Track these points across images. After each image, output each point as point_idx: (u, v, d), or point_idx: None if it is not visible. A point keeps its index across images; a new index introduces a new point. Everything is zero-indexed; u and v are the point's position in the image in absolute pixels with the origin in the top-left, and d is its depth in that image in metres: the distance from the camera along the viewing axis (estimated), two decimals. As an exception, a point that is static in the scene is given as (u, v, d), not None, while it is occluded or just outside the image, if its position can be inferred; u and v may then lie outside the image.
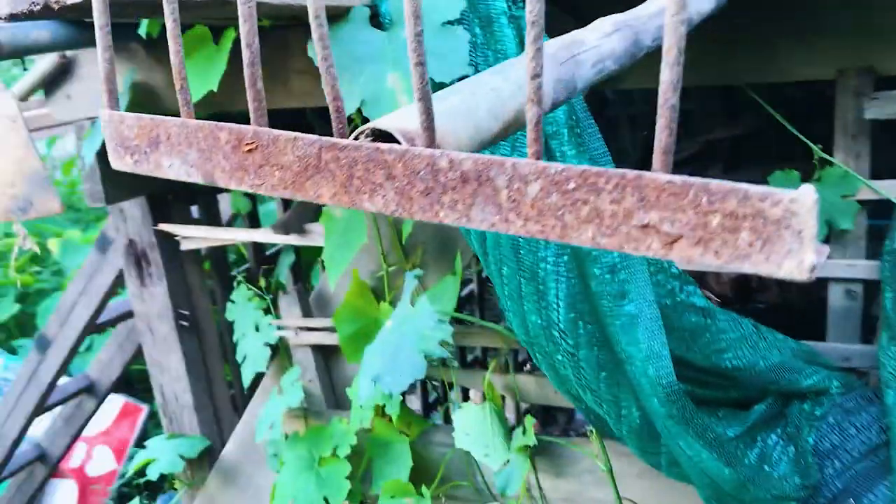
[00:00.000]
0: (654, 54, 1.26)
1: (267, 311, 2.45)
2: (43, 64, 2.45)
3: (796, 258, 0.56)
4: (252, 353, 2.38)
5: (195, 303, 2.74)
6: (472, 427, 1.95)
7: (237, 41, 1.66)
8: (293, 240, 2.28)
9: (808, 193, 0.55)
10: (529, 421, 1.83)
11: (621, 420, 1.55)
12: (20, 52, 1.81)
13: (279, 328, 2.39)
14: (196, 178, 0.85)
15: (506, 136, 0.84)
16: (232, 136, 0.80)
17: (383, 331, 1.77)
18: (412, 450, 2.17)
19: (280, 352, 2.48)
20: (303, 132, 0.93)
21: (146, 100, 2.17)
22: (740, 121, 4.12)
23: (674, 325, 1.51)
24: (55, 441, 3.91)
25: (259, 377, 2.53)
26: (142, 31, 1.73)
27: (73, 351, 3.37)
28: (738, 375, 1.56)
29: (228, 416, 2.87)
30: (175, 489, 2.93)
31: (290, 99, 2.05)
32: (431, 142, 0.71)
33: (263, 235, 2.36)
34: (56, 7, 0.94)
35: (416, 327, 1.65)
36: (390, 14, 1.39)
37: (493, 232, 0.72)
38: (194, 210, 3.01)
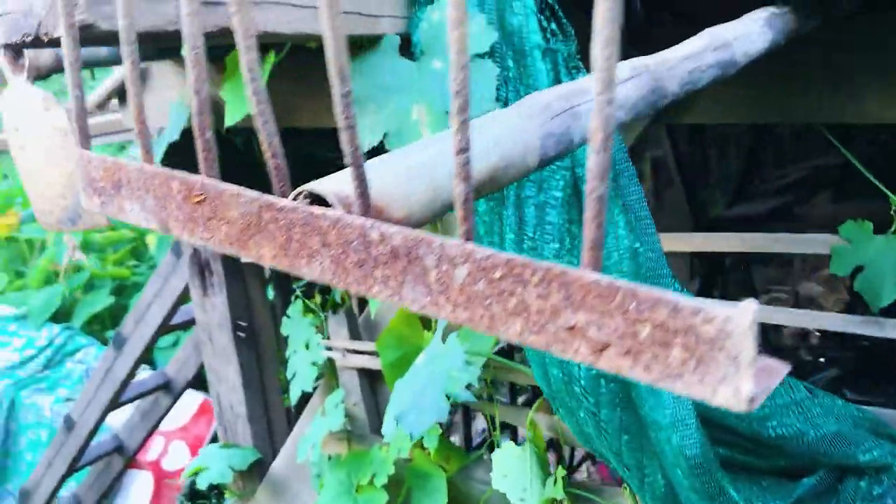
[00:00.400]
0: (728, 84, 1.15)
1: (320, 330, 2.42)
2: (120, 72, 2.51)
3: (731, 385, 0.48)
4: (301, 371, 2.36)
5: (255, 315, 2.75)
6: (511, 469, 1.87)
7: (282, 62, 1.64)
8: (347, 259, 2.24)
9: (745, 313, 0.47)
10: (560, 472, 1.73)
11: (645, 487, 1.44)
12: (78, 67, 1.84)
13: (327, 348, 2.37)
14: (153, 225, 0.82)
15: (477, 198, 0.78)
16: (183, 186, 0.77)
17: (415, 366, 1.71)
18: (452, 484, 2.10)
19: (329, 372, 2.46)
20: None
21: (208, 114, 2.18)
22: (850, 149, 3.89)
23: (712, 387, 1.38)
24: (132, 434, 4.05)
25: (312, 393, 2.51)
26: (184, 53, 1.72)
27: (148, 349, 3.47)
28: (784, 445, 1.42)
29: (282, 429, 2.87)
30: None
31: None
32: (366, 209, 0.65)
33: (319, 253, 2.33)
34: (45, 39, 0.92)
35: (444, 367, 1.59)
36: (421, 44, 1.33)
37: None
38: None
